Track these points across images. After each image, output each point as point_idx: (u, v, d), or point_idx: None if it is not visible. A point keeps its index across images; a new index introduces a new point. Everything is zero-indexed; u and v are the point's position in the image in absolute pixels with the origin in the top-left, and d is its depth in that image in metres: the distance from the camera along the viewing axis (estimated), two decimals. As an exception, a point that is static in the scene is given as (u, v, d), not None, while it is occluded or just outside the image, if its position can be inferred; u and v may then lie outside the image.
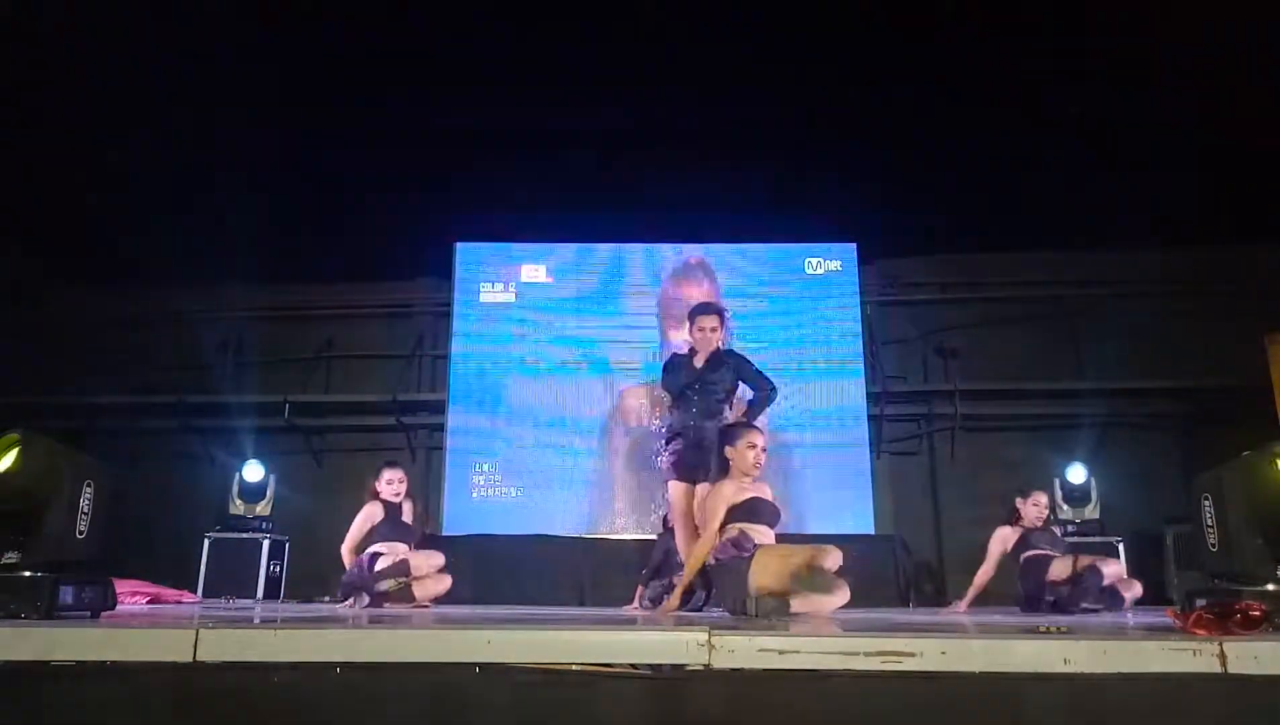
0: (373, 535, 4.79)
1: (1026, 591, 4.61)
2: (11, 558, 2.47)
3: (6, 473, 2.48)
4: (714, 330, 4.27)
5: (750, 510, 3.58)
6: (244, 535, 6.34)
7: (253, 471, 6.59)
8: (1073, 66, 5.94)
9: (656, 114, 6.57)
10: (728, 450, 3.70)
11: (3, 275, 7.04)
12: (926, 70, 6.10)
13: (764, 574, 3.28)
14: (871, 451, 7.14)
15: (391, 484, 4.98)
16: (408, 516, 5.03)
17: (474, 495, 6.91)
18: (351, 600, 4.63)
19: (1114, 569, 4.41)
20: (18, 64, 5.48)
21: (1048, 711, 1.71)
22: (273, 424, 7.59)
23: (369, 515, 4.85)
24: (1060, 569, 4.45)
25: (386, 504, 4.91)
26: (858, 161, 6.58)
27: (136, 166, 6.36)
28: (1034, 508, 4.80)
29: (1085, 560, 4.42)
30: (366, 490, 4.96)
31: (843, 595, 3.26)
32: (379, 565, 4.62)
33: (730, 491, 3.63)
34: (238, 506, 6.51)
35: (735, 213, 7.22)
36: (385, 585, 4.57)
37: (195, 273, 7.70)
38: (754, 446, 3.69)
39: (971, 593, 4.76)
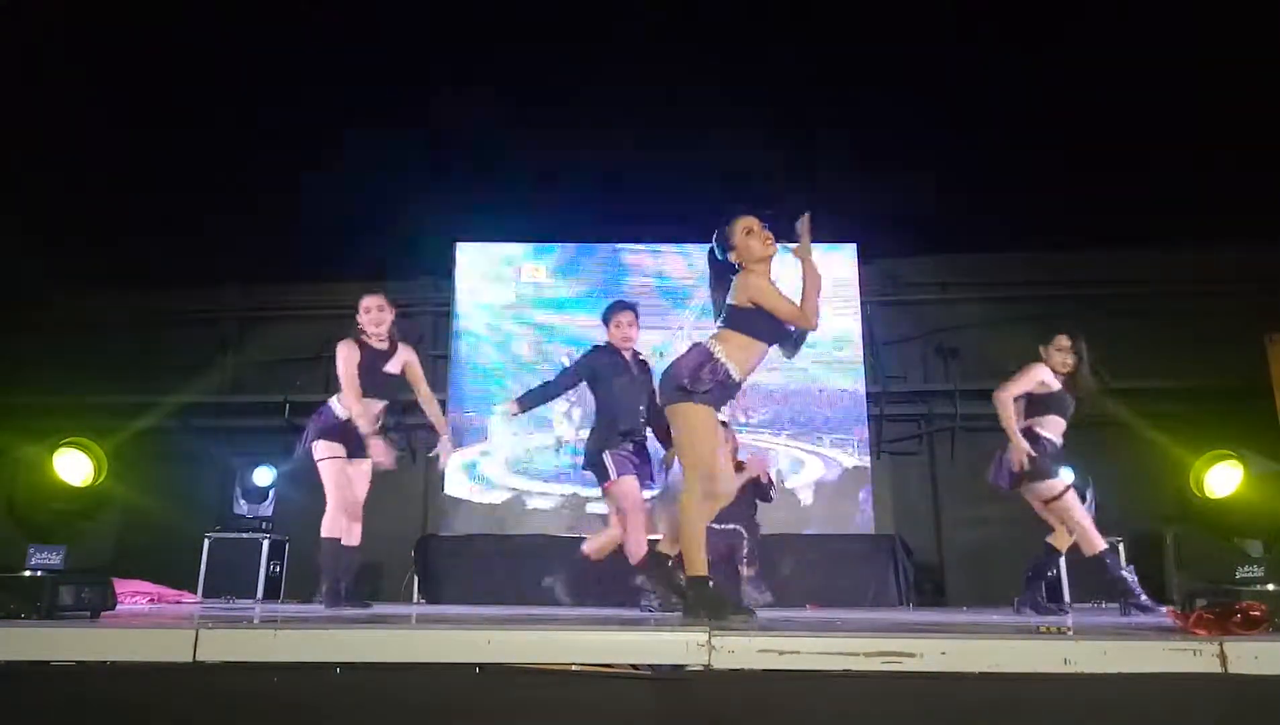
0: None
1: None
2: (55, 560, 2.47)
3: (93, 485, 2.50)
4: (631, 325, 4.19)
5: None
6: (244, 535, 6.33)
7: (262, 476, 6.56)
8: (1072, 66, 5.94)
9: (657, 113, 6.56)
10: (731, 256, 3.05)
11: (3, 275, 7.04)
12: (927, 70, 6.10)
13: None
14: (871, 451, 7.13)
15: (369, 313, 3.90)
16: (395, 367, 4.02)
17: (474, 495, 6.90)
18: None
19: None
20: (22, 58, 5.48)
21: (1048, 711, 1.70)
22: (273, 424, 7.58)
23: (346, 357, 3.85)
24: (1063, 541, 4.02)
25: (363, 344, 3.89)
26: (858, 161, 6.57)
27: (135, 165, 6.37)
28: (1057, 353, 3.97)
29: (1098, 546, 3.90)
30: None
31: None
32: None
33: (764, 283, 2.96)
34: (241, 506, 6.50)
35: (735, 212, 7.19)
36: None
37: (195, 273, 7.72)
38: (750, 231, 3.04)
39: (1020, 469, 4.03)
